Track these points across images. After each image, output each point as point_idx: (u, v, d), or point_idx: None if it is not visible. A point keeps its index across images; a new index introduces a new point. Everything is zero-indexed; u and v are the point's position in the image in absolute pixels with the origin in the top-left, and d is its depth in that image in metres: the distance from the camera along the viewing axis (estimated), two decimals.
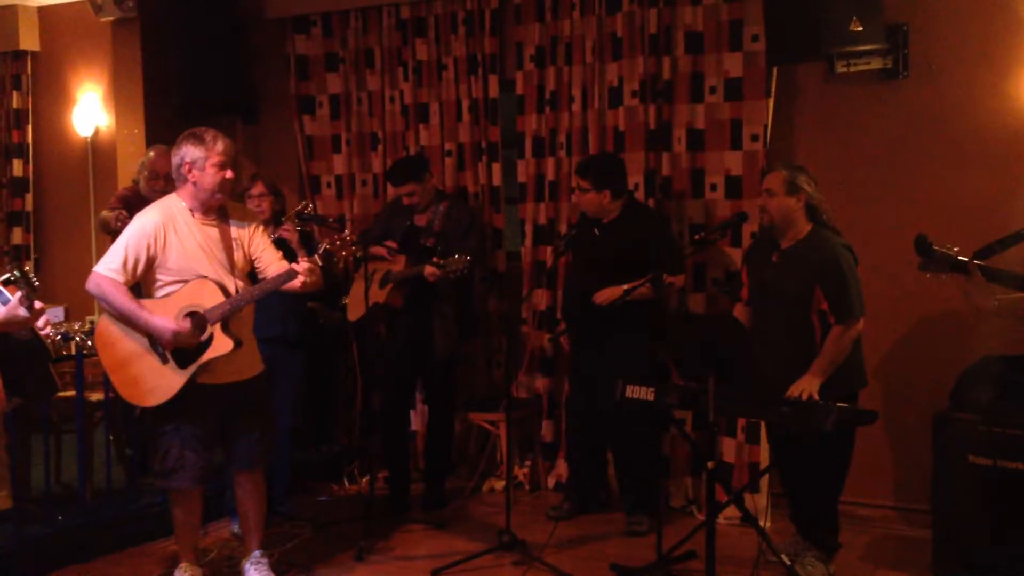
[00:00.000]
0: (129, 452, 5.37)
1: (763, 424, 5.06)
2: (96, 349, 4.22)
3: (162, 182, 5.43)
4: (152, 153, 5.61)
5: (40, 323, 3.34)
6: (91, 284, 4.08)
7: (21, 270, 3.19)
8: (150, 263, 4.08)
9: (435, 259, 5.04)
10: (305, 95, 6.67)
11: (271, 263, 4.27)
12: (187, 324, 4.03)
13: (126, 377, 4.15)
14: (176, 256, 4.09)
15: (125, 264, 4.04)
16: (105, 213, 5.61)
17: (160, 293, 4.12)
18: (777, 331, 4.38)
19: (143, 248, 4.06)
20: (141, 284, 4.16)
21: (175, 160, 4.14)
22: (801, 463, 4.44)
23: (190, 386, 4.08)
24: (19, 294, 3.16)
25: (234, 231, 4.23)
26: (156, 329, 4.04)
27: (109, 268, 4.05)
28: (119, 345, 4.13)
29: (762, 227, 4.63)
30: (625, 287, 4.84)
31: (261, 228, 4.35)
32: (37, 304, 3.21)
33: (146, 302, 4.10)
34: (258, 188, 5.12)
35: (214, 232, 4.18)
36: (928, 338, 5.10)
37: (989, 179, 4.93)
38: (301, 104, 6.68)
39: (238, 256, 4.21)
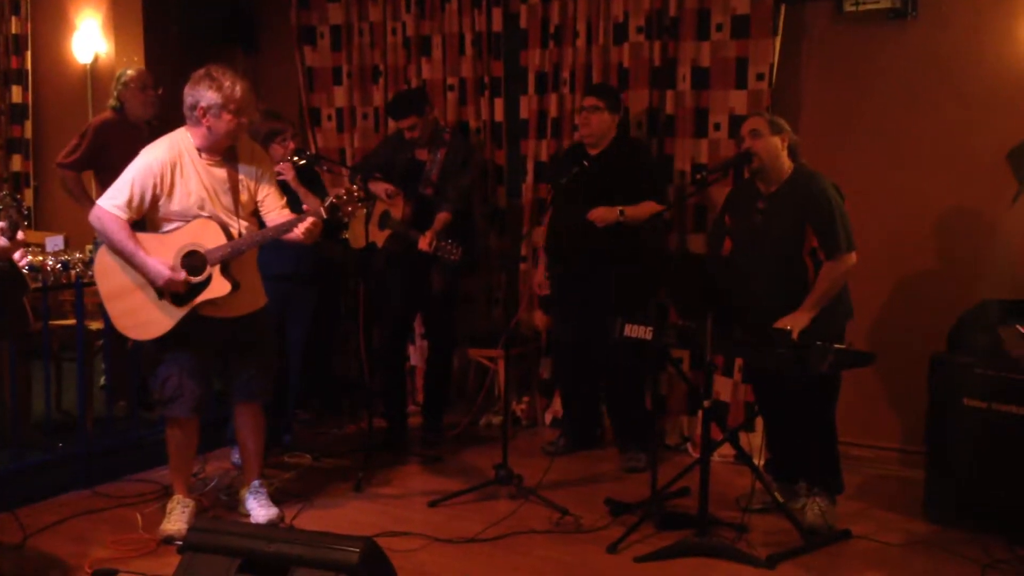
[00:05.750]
0: (103, 383, 5.32)
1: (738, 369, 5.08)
2: (95, 278, 4.20)
3: (152, 92, 5.36)
4: (130, 71, 5.43)
5: (16, 255, 3.21)
6: (93, 218, 4.05)
7: (13, 195, 3.05)
8: (155, 201, 4.05)
9: (432, 240, 5.06)
10: (306, 25, 6.59)
11: (273, 209, 4.21)
12: (182, 273, 4.02)
13: (121, 308, 4.15)
14: (180, 196, 4.05)
15: (130, 202, 4.01)
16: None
17: (165, 229, 4.09)
18: (771, 275, 4.32)
19: (148, 187, 4.02)
20: (146, 219, 4.12)
21: (189, 100, 4.03)
22: (789, 408, 4.43)
23: (192, 317, 4.08)
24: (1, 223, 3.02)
25: (241, 172, 4.16)
26: (151, 272, 4.02)
27: (114, 204, 4.01)
28: (117, 277, 4.11)
29: (737, 182, 4.57)
30: (619, 208, 4.95)
31: (269, 172, 4.27)
32: (20, 235, 3.07)
33: (147, 236, 4.07)
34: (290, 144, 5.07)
35: (221, 173, 4.12)
36: (927, 280, 5.10)
37: (995, 123, 4.88)
38: (302, 34, 6.60)
39: (244, 198, 4.15)
